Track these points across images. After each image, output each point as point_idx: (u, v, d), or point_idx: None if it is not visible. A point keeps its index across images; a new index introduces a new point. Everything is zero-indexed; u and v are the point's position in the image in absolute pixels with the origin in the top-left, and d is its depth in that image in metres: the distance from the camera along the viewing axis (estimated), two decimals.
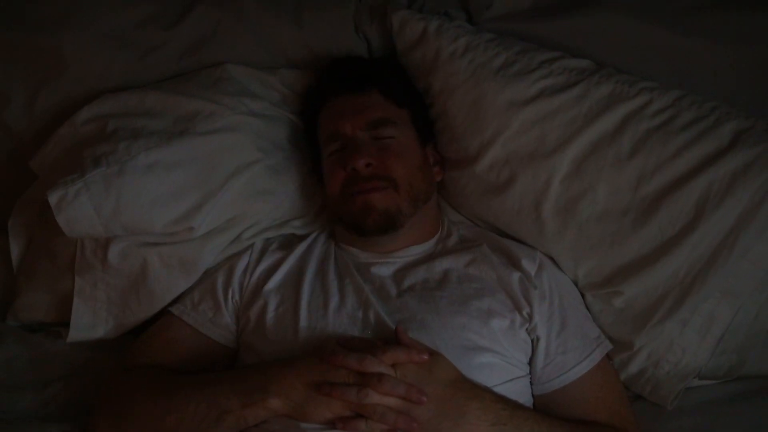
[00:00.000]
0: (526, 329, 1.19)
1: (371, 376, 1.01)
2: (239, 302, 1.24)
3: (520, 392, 1.15)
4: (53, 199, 1.19)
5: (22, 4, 1.39)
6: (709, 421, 1.22)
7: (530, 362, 1.19)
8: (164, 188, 1.23)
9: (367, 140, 1.26)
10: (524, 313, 1.19)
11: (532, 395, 1.19)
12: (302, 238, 1.34)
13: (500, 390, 1.11)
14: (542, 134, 1.26)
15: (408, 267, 1.25)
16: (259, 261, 1.27)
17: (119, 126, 1.28)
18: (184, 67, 1.41)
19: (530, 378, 1.19)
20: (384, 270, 1.24)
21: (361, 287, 1.20)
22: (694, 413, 1.23)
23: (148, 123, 1.29)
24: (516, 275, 1.22)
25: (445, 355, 1.09)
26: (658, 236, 1.21)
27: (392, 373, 1.03)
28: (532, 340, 1.19)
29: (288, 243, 1.33)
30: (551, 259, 1.28)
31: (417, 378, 1.03)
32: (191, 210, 1.24)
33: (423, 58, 1.35)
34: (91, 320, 1.30)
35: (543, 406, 1.17)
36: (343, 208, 1.26)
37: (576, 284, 1.29)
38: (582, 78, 1.27)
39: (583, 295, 1.29)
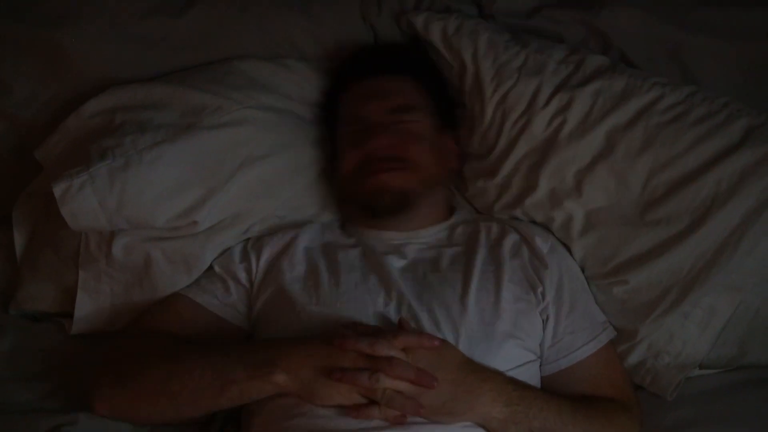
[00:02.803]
0: (539, 311, 1.20)
1: (382, 359, 1.01)
2: (249, 286, 1.24)
3: (530, 376, 1.17)
4: (58, 191, 1.18)
5: None
6: (709, 411, 1.23)
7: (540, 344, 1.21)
8: (169, 183, 1.23)
9: (389, 123, 1.28)
10: (538, 292, 1.20)
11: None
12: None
13: (513, 374, 1.12)
14: (558, 129, 1.27)
15: (424, 250, 1.26)
16: (261, 246, 1.28)
17: (126, 119, 1.27)
18: (191, 59, 1.39)
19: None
20: (399, 253, 1.25)
21: (381, 268, 1.21)
22: (694, 403, 1.24)
23: (154, 116, 1.27)
24: (527, 254, 1.23)
25: (467, 339, 1.11)
26: (665, 230, 1.23)
27: (404, 357, 1.03)
28: (543, 321, 1.20)
29: (291, 226, 1.33)
30: (564, 245, 1.30)
31: (428, 362, 1.04)
32: (195, 205, 1.24)
33: (450, 59, 1.36)
34: (94, 313, 1.29)
35: (549, 386, 1.19)
36: (356, 188, 1.28)
37: (582, 271, 1.30)
38: (597, 74, 1.28)
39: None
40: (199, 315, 1.23)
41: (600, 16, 1.36)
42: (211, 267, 1.27)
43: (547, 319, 1.20)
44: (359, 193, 1.27)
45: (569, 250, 1.30)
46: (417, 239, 1.28)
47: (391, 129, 1.27)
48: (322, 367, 1.02)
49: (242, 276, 1.25)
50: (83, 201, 1.19)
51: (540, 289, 1.20)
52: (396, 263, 1.22)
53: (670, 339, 1.25)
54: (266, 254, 1.26)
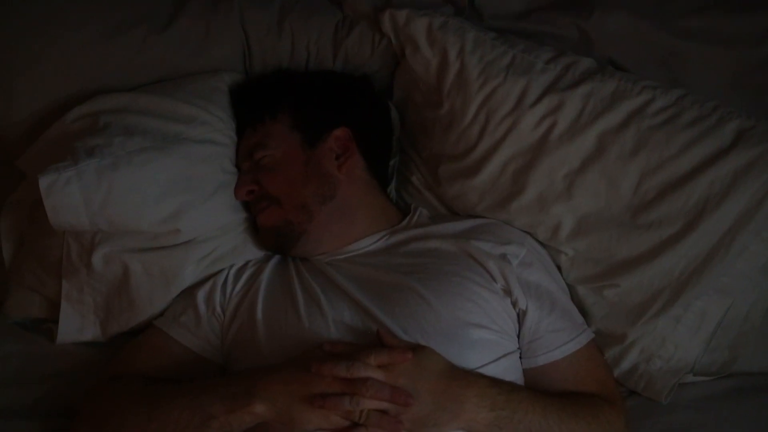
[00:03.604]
0: (510, 301, 1.20)
1: (358, 381, 1.01)
2: (222, 316, 1.23)
3: (512, 369, 1.16)
4: (44, 182, 1.16)
5: (14, 4, 1.36)
6: (702, 417, 1.24)
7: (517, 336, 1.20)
8: (155, 187, 1.22)
9: (250, 169, 1.30)
10: (500, 285, 1.19)
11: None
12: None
13: (494, 367, 1.12)
14: (547, 131, 1.26)
15: (369, 257, 1.26)
16: (238, 276, 1.27)
17: (111, 121, 1.26)
18: (175, 71, 1.39)
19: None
20: (343, 269, 1.24)
21: (334, 287, 1.20)
22: (688, 409, 1.25)
23: (141, 121, 1.27)
24: (497, 252, 1.22)
25: (440, 336, 1.10)
26: (657, 233, 1.22)
27: (381, 375, 1.02)
28: (518, 314, 1.20)
29: (265, 258, 1.32)
30: (552, 247, 1.29)
31: (408, 375, 1.03)
32: (179, 211, 1.23)
33: (431, 54, 1.34)
34: (79, 323, 1.29)
35: (531, 380, 1.19)
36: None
37: (571, 276, 1.30)
38: (586, 76, 1.28)
39: (575, 288, 1.30)
40: (173, 349, 1.22)
41: (590, 19, 1.36)
42: (192, 295, 1.26)
43: (524, 313, 1.19)
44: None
45: (557, 252, 1.29)
46: (354, 251, 1.27)
47: (251, 173, 1.29)
48: (300, 393, 1.02)
49: (218, 307, 1.24)
50: (68, 196, 1.18)
51: (501, 284, 1.19)
52: (343, 279, 1.21)
53: (662, 343, 1.25)
54: (239, 285, 1.26)
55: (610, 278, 1.25)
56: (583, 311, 1.28)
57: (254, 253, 1.31)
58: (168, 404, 1.08)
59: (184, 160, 1.25)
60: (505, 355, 1.15)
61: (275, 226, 1.27)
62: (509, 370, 1.15)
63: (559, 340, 1.19)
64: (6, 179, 1.38)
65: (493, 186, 1.30)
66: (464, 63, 1.30)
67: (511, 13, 1.41)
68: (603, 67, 1.31)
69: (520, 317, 1.20)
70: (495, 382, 1.08)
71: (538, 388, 1.16)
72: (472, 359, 1.11)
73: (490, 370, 1.11)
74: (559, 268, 1.30)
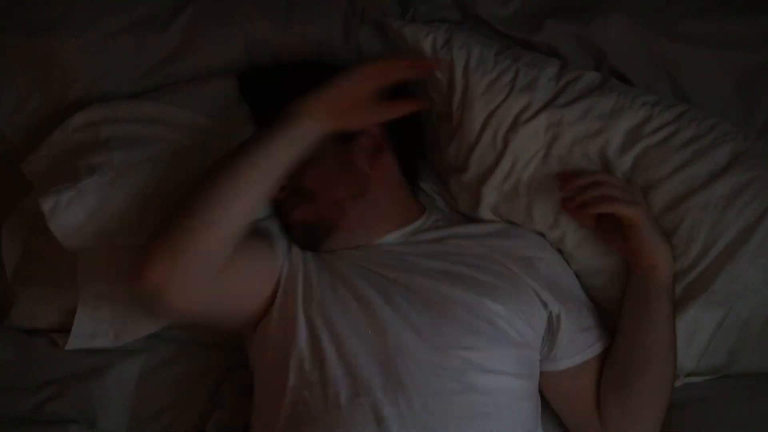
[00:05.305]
0: (540, 301, 1.21)
1: None
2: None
3: (530, 363, 1.20)
4: (46, 206, 1.17)
5: (18, 6, 1.37)
6: (700, 417, 1.27)
7: (545, 338, 1.22)
8: (156, 198, 1.21)
9: None
10: (530, 290, 1.21)
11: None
12: None
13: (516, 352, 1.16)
14: (548, 148, 1.27)
15: (397, 251, 1.25)
16: None
17: (113, 134, 1.26)
18: (178, 70, 1.39)
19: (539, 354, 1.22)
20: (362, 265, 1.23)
21: (343, 277, 1.20)
22: (686, 410, 1.27)
23: (142, 131, 1.26)
24: (521, 257, 1.25)
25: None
26: None
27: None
28: (549, 316, 1.21)
29: None
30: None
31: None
32: None
33: (437, 74, 1.34)
34: (92, 330, 1.30)
35: (556, 384, 1.24)
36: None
37: None
38: (587, 92, 1.27)
39: None
40: None
41: (590, 27, 1.34)
42: None
43: (558, 317, 1.21)
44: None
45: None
46: (376, 246, 1.27)
47: None
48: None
49: None
50: (72, 216, 1.18)
51: (533, 286, 1.21)
52: (348, 269, 1.21)
53: None
54: None
55: (609, 291, 1.28)
56: None
57: None
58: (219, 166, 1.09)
59: (185, 168, 1.23)
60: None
61: (305, 222, 1.25)
62: (527, 364, 1.19)
63: (590, 340, 1.23)
64: (10, 181, 1.38)
65: (501, 202, 1.31)
66: (468, 81, 1.31)
67: (506, 17, 1.40)
68: (604, 81, 1.30)
69: (554, 319, 1.21)
70: None
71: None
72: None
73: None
74: None
